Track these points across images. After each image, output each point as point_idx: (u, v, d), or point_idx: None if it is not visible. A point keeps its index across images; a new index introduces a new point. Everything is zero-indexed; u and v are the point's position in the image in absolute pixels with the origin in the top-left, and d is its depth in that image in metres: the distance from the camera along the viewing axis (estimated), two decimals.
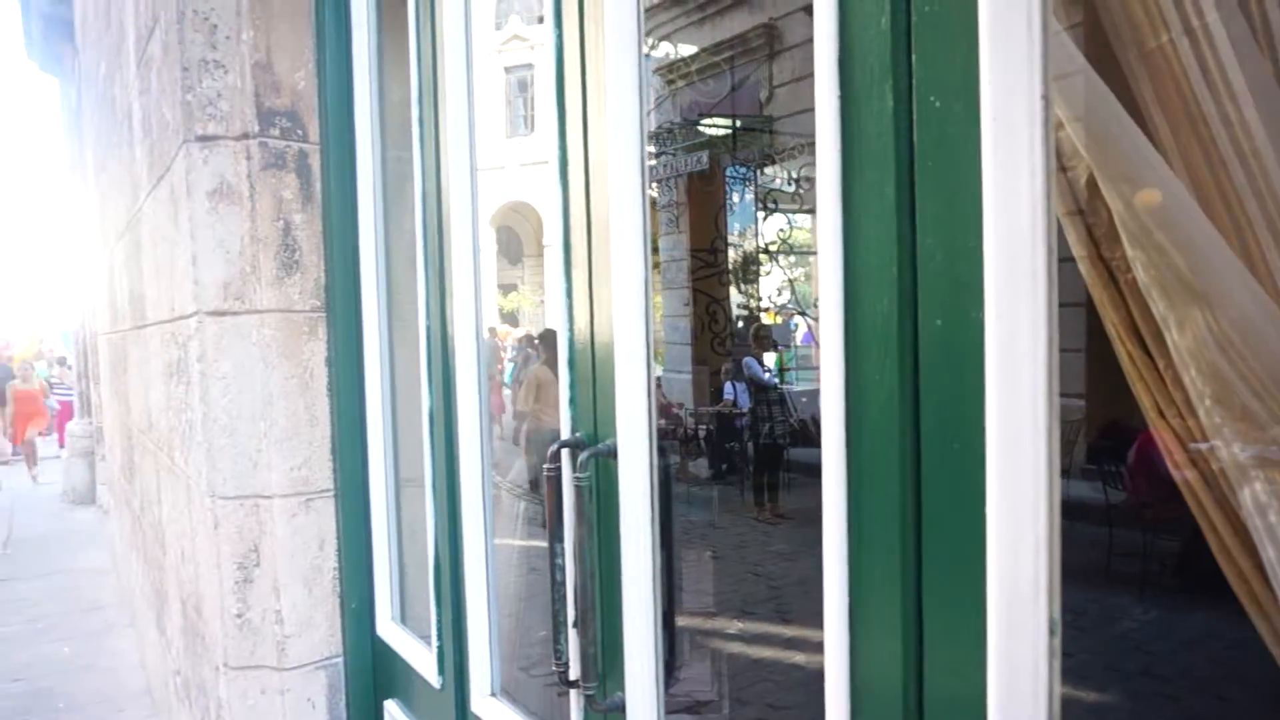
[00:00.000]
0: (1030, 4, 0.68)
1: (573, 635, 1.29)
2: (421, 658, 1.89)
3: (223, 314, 2.04)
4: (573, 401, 1.30)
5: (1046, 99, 0.69)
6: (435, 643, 1.78)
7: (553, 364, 6.75)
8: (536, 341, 7.78)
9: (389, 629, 2.09)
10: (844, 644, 0.87)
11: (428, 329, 1.77)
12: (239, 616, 2.09)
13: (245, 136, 2.03)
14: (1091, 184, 1.11)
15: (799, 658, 4.18)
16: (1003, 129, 0.71)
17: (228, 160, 2.03)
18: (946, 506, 0.79)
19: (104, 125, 4.43)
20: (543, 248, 24.12)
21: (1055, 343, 0.70)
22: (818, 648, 0.89)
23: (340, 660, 2.18)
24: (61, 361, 16.14)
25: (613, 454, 1.19)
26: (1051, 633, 0.69)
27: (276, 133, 2.05)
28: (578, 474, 1.22)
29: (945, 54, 0.77)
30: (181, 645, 2.88)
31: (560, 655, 1.29)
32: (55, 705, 4.20)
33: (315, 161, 2.10)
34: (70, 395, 14.05)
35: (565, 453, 1.29)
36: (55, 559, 6.95)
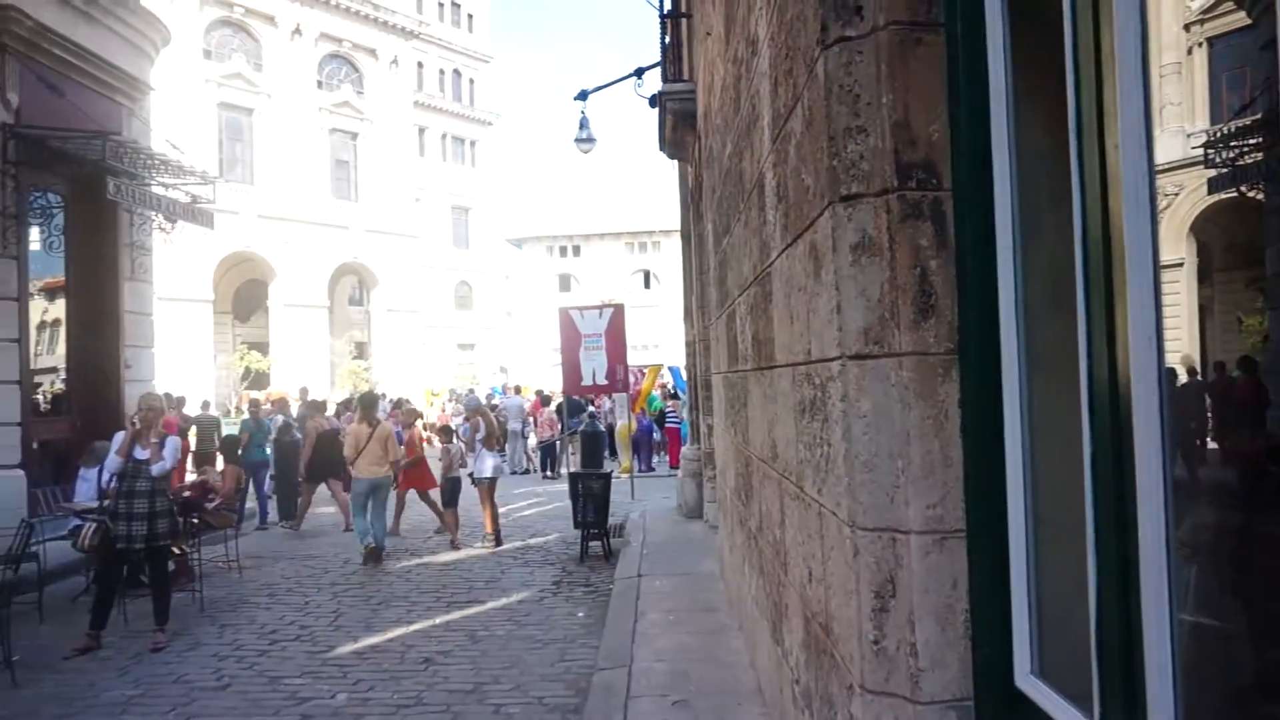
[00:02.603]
0: None
1: None
2: None
3: (863, 358, 2.21)
4: None
5: None
6: (1097, 709, 1.64)
7: None
8: None
9: (1029, 682, 1.99)
10: None
11: (1089, 370, 1.66)
12: (875, 644, 2.21)
13: (885, 192, 2.18)
14: None
15: None
16: None
17: (868, 215, 2.21)
18: None
19: (728, 194, 5.20)
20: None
21: None
22: None
23: (970, 704, 2.15)
24: (674, 395, 19.33)
25: None
26: None
27: (913, 184, 2.16)
28: None
29: None
30: (803, 658, 3.15)
31: None
32: (688, 687, 4.97)
33: (948, 207, 2.16)
34: (679, 423, 16.76)
35: None
36: (678, 562, 8.27)
